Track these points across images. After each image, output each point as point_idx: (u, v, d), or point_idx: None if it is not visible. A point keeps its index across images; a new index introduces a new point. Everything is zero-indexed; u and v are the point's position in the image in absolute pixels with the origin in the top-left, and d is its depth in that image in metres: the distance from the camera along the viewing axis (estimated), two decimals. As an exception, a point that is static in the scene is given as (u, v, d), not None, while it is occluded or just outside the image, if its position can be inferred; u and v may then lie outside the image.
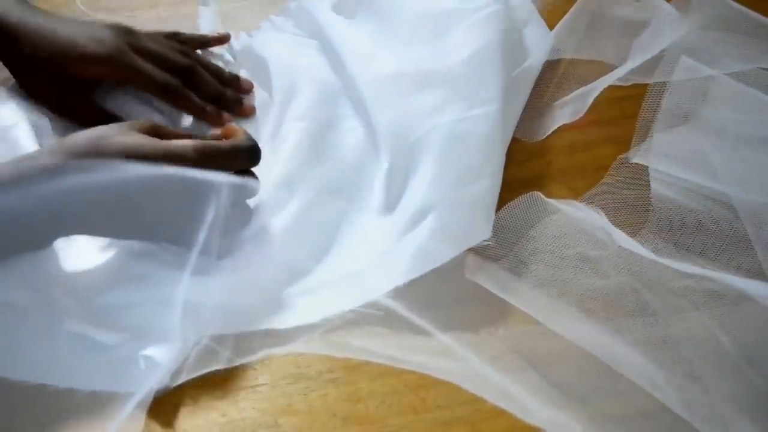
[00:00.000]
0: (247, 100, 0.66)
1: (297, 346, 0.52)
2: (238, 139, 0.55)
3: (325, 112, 0.64)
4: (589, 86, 0.65)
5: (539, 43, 0.68)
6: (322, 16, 0.69)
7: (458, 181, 0.57)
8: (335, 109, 0.64)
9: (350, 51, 0.65)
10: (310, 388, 0.51)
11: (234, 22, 0.73)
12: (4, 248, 0.49)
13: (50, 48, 0.58)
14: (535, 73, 0.67)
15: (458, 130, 0.60)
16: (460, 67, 0.62)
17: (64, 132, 0.59)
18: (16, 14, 0.59)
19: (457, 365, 0.48)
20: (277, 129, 0.63)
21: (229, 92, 0.65)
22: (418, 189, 0.58)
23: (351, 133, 0.63)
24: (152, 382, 0.49)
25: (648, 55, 0.65)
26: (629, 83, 0.64)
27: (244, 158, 0.55)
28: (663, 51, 0.64)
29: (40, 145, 0.58)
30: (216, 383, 0.51)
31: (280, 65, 0.66)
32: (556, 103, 0.66)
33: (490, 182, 0.58)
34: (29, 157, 0.52)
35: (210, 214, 0.49)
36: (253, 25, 0.72)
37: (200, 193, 0.50)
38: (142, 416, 0.48)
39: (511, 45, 0.66)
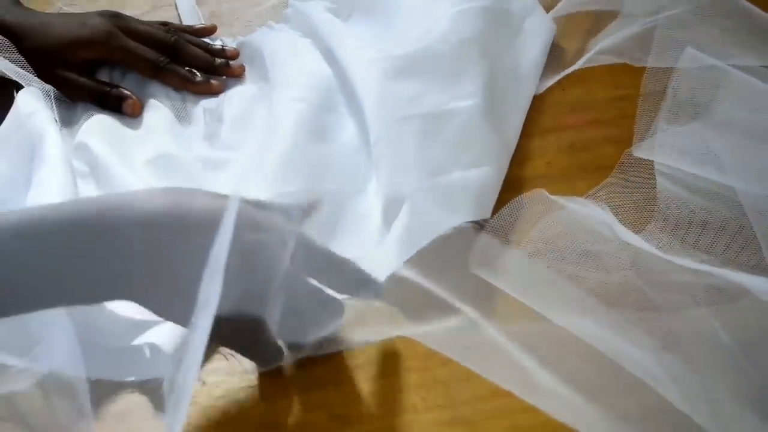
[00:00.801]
0: (234, 62, 0.69)
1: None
2: None
3: (320, 97, 0.64)
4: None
5: (541, 33, 0.68)
6: (317, 16, 0.70)
7: (429, 172, 0.58)
8: (331, 96, 0.65)
9: (343, 46, 0.67)
10: (310, 387, 0.51)
11: (231, 25, 0.74)
12: None
13: (48, 40, 0.64)
14: (540, 65, 0.67)
15: (431, 123, 0.60)
16: (441, 58, 0.63)
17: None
18: (13, 14, 0.64)
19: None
20: (272, 110, 0.64)
21: (217, 60, 0.68)
22: (392, 177, 0.58)
23: (346, 121, 0.64)
24: (159, 370, 0.48)
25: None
26: (639, 64, 0.64)
27: None
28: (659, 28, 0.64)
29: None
30: (215, 383, 0.51)
31: (275, 56, 0.68)
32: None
33: (468, 174, 0.58)
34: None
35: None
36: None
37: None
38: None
39: (507, 37, 0.66)
